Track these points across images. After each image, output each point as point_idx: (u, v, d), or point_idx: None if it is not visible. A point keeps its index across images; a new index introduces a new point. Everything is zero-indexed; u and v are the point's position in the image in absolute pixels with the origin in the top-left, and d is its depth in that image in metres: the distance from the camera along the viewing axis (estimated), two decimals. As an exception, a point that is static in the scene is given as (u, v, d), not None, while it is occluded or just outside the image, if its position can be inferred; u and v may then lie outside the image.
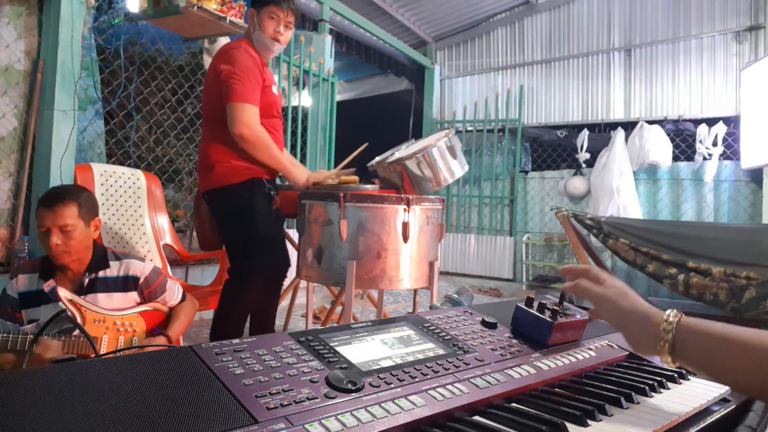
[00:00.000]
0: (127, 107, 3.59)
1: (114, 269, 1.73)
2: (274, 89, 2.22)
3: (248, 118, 2.04)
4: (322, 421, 0.50)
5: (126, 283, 1.74)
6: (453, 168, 2.24)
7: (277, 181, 2.51)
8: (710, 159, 5.22)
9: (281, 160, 2.18)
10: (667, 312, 0.67)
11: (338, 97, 6.00)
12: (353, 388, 0.57)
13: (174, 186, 4.36)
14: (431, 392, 0.60)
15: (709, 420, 0.64)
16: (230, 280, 2.20)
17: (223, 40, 3.67)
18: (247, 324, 2.37)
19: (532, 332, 0.79)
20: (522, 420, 0.57)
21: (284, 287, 2.62)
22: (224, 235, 2.25)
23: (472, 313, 0.87)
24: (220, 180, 2.13)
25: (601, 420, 0.59)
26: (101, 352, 1.56)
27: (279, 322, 3.27)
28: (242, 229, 2.15)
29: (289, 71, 4.66)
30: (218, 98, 2.09)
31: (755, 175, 5.00)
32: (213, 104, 2.12)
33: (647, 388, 0.68)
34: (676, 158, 5.47)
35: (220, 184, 2.13)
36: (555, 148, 6.30)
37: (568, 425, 0.56)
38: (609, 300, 0.71)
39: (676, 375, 0.74)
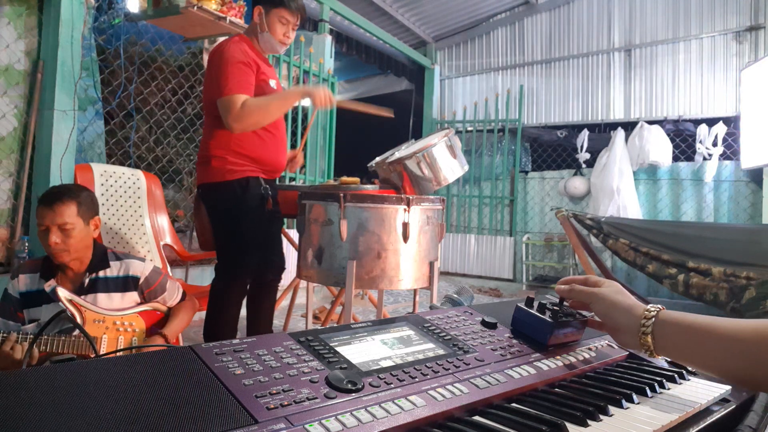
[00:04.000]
0: (127, 107, 3.59)
1: (114, 269, 1.73)
2: (273, 83, 2.20)
3: (234, 110, 2.02)
4: (322, 421, 0.50)
5: (126, 283, 1.74)
6: (453, 168, 2.24)
7: (277, 181, 2.51)
8: (710, 159, 5.22)
9: (286, 101, 2.20)
10: (648, 306, 0.71)
11: (338, 97, 6.00)
12: (353, 388, 0.57)
13: (174, 186, 4.36)
14: (431, 392, 0.60)
15: (709, 420, 0.64)
16: (215, 278, 2.20)
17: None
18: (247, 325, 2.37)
19: (532, 332, 0.79)
20: (522, 420, 0.57)
21: (284, 287, 2.62)
22: (213, 232, 2.24)
23: (472, 313, 0.87)
24: (215, 175, 2.12)
25: (601, 420, 0.59)
26: (101, 352, 1.56)
27: (279, 322, 3.27)
28: (231, 227, 2.15)
29: (289, 71, 4.66)
30: (213, 93, 2.10)
31: (755, 175, 5.00)
32: (210, 99, 2.13)
33: (647, 388, 0.68)
34: (676, 158, 5.47)
35: (214, 179, 2.13)
36: (555, 148, 6.30)
37: (568, 425, 0.56)
38: (599, 294, 0.75)
39: (675, 375, 0.74)
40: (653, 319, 0.68)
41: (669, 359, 0.71)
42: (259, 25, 2.19)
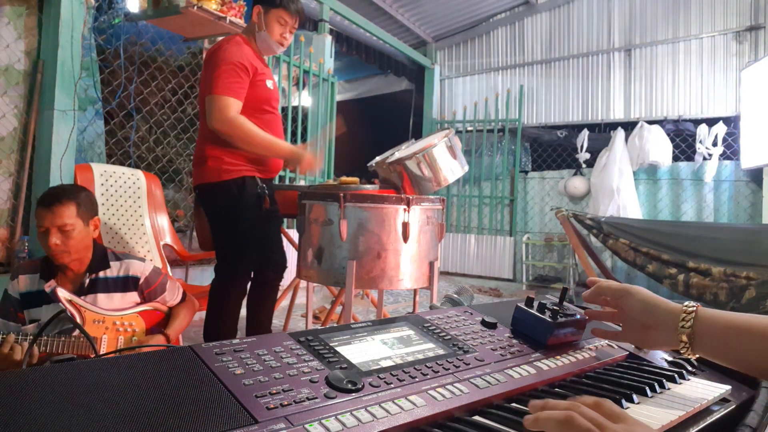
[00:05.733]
0: (127, 107, 3.59)
1: (114, 269, 1.73)
2: (269, 83, 2.20)
3: (221, 112, 2.02)
4: (322, 421, 0.50)
5: (126, 284, 1.74)
6: (453, 168, 2.24)
7: (276, 180, 2.51)
8: (710, 159, 5.22)
9: (271, 147, 2.13)
10: (685, 303, 0.69)
11: (338, 97, 6.00)
12: (353, 388, 0.57)
13: (174, 186, 4.36)
14: (431, 392, 0.60)
15: (709, 420, 0.64)
16: (216, 279, 2.20)
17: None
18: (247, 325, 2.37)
19: (532, 332, 0.79)
20: (522, 420, 0.57)
21: (284, 287, 2.62)
22: (212, 232, 2.24)
23: (472, 313, 0.87)
24: (211, 175, 2.12)
25: (601, 420, 0.59)
26: (101, 352, 1.56)
27: (279, 322, 3.27)
28: (228, 228, 2.15)
29: (289, 71, 4.66)
30: (206, 92, 2.10)
31: (755, 175, 5.00)
32: (204, 98, 2.13)
33: (647, 388, 0.68)
34: (676, 158, 5.47)
35: (211, 179, 2.13)
36: (555, 148, 6.30)
37: (568, 425, 0.56)
38: (632, 290, 0.74)
39: (675, 375, 0.74)
40: (693, 315, 0.67)
41: (705, 357, 0.69)
42: (257, 25, 2.20)
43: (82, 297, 1.62)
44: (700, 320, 0.67)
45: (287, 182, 4.56)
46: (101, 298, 1.68)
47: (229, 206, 2.13)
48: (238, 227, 2.14)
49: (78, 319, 1.55)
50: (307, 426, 0.49)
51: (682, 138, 5.49)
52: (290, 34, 2.23)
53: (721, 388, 0.70)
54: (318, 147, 2.23)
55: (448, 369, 0.66)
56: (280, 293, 2.58)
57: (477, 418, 0.59)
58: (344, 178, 2.29)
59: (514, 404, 0.63)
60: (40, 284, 1.64)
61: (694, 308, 0.68)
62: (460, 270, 6.52)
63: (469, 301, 1.00)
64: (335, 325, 0.82)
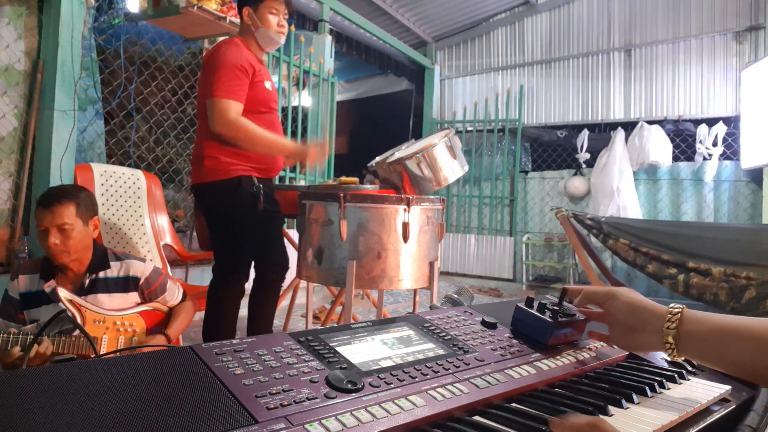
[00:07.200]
0: (127, 107, 3.59)
1: (114, 270, 1.73)
2: (268, 85, 2.20)
3: (222, 114, 2.03)
4: (322, 421, 0.50)
5: (126, 284, 1.74)
6: (453, 168, 2.24)
7: (277, 180, 2.51)
8: (710, 159, 5.22)
9: (275, 145, 2.16)
10: (671, 305, 0.69)
11: (338, 97, 6.00)
12: (353, 388, 0.57)
13: (174, 186, 4.36)
14: (431, 392, 0.60)
15: (709, 420, 0.64)
16: (213, 279, 2.20)
17: (223, 40, 3.67)
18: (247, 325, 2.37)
19: (532, 332, 0.79)
20: (522, 420, 0.57)
21: (284, 288, 2.62)
22: (209, 232, 2.24)
23: (472, 313, 0.87)
24: (208, 175, 2.13)
25: (601, 420, 0.59)
26: (101, 352, 1.56)
27: (279, 322, 3.27)
28: (225, 227, 2.15)
29: (289, 71, 4.66)
30: (206, 94, 2.10)
31: (755, 175, 5.00)
32: (203, 100, 2.13)
33: (647, 388, 0.68)
34: (676, 158, 5.47)
35: (207, 179, 2.13)
36: (555, 148, 6.30)
37: (568, 425, 0.56)
38: (617, 293, 0.74)
39: (675, 375, 0.74)
40: (678, 316, 0.67)
41: (691, 359, 0.69)
42: (251, 25, 2.19)
43: (83, 297, 1.62)
44: (685, 322, 0.67)
45: (287, 182, 4.56)
46: (101, 298, 1.68)
47: (225, 206, 2.13)
48: (234, 227, 2.14)
49: (78, 319, 1.55)
50: (307, 426, 0.49)
51: (682, 138, 5.49)
52: (285, 22, 2.24)
53: (721, 388, 0.70)
54: (321, 141, 2.24)
55: (448, 369, 0.66)
56: (280, 293, 2.57)
57: (477, 418, 0.59)
58: (344, 178, 2.29)
59: (514, 404, 0.63)
60: (40, 284, 1.64)
61: (680, 310, 0.67)
62: (460, 270, 6.52)
63: (469, 301, 1.00)
64: (335, 325, 0.82)
